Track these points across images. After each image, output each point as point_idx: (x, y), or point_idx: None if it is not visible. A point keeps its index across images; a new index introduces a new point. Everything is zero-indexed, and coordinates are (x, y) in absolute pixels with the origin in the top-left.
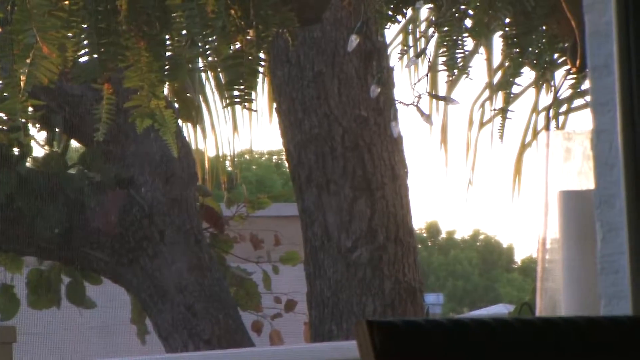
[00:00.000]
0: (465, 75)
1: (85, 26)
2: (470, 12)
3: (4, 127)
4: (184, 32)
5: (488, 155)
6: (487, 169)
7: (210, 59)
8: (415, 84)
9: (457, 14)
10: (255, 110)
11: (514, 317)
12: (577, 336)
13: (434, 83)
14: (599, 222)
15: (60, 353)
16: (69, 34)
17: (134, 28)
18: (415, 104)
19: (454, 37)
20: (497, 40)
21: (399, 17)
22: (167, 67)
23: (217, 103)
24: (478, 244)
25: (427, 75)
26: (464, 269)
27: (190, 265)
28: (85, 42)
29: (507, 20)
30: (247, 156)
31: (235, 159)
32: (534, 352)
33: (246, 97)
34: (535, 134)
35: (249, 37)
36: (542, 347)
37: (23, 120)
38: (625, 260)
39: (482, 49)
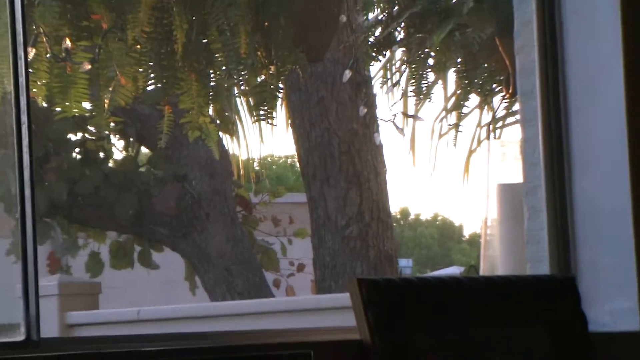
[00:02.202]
0: (428, 100)
1: (151, 63)
2: (432, 54)
3: (93, 137)
4: (224, 67)
5: (445, 157)
6: (444, 168)
7: (242, 87)
8: (392, 105)
9: (422, 55)
10: (276, 125)
11: (464, 276)
12: (510, 289)
13: (405, 105)
14: (525, 206)
15: (133, 302)
16: (140, 69)
17: (187, 64)
18: (392, 120)
19: (420, 72)
20: (452, 74)
21: (380, 57)
22: (211, 93)
23: (248, 120)
24: (437, 223)
25: (400, 99)
26: (427, 241)
27: (228, 238)
28: (151, 75)
29: (459, 59)
30: (269, 159)
31: (261, 161)
32: (478, 300)
33: (269, 115)
34: (479, 142)
35: (271, 72)
36: (484, 297)
37: (107, 132)
38: (545, 234)
39: (440, 81)
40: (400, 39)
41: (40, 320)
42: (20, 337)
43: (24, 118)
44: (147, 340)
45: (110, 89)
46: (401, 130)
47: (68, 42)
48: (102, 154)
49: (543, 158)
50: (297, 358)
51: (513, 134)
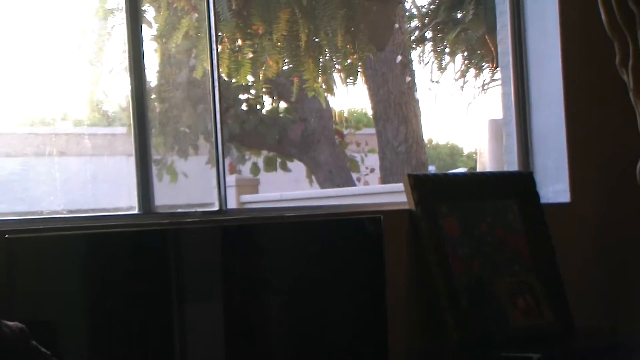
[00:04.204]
0: (445, 71)
1: (286, 53)
2: (448, 45)
3: (253, 97)
4: (327, 55)
5: (455, 105)
6: (454, 112)
7: (338, 66)
8: (425, 76)
9: (441, 47)
10: (357, 87)
11: (469, 172)
12: (495, 179)
13: (432, 75)
14: (504, 132)
15: (277, 190)
16: (280, 57)
17: (307, 54)
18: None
19: (440, 57)
20: (459, 57)
21: (418, 48)
22: (320, 70)
23: (340, 85)
24: (448, 145)
25: (430, 72)
26: (442, 156)
27: (330, 153)
28: (286, 60)
29: (464, 49)
30: (353, 107)
31: (349, 109)
32: (477, 185)
33: (354, 82)
34: (476, 96)
35: (355, 57)
36: (480, 183)
37: (261, 94)
38: (515, 148)
39: (452, 61)
40: (429, 37)
41: (226, 199)
42: (215, 208)
43: (216, 84)
44: (287, 211)
45: (263, 68)
46: (429, 90)
47: (239, 42)
48: (258, 106)
49: (514, 104)
50: (372, 220)
51: (496, 90)
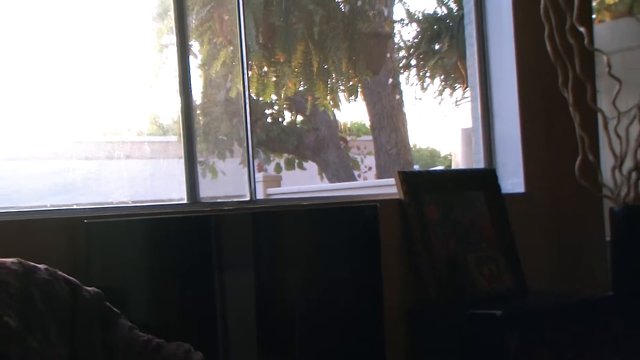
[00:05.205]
0: (426, 91)
1: (302, 77)
2: (428, 70)
3: (276, 111)
4: (334, 79)
5: (434, 118)
6: (433, 123)
7: (342, 87)
8: (410, 94)
9: (423, 72)
10: (357, 103)
11: (445, 169)
12: (466, 174)
13: (415, 93)
14: (473, 138)
15: (295, 184)
16: (297, 79)
17: (318, 77)
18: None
19: (422, 79)
20: (437, 80)
21: (405, 73)
22: (328, 90)
23: (344, 101)
24: (428, 149)
25: (414, 91)
26: (424, 157)
27: (337, 155)
28: (302, 82)
29: (441, 73)
30: (354, 120)
31: (351, 121)
32: (453, 179)
33: (354, 99)
34: (450, 110)
35: (356, 79)
36: (456, 178)
37: (282, 109)
38: (482, 151)
39: (432, 83)
40: (414, 64)
41: (255, 192)
42: (247, 198)
43: (247, 102)
44: (303, 200)
45: (284, 89)
46: (414, 106)
47: (265, 68)
48: (280, 119)
49: (480, 116)
50: (370, 207)
51: (467, 105)
